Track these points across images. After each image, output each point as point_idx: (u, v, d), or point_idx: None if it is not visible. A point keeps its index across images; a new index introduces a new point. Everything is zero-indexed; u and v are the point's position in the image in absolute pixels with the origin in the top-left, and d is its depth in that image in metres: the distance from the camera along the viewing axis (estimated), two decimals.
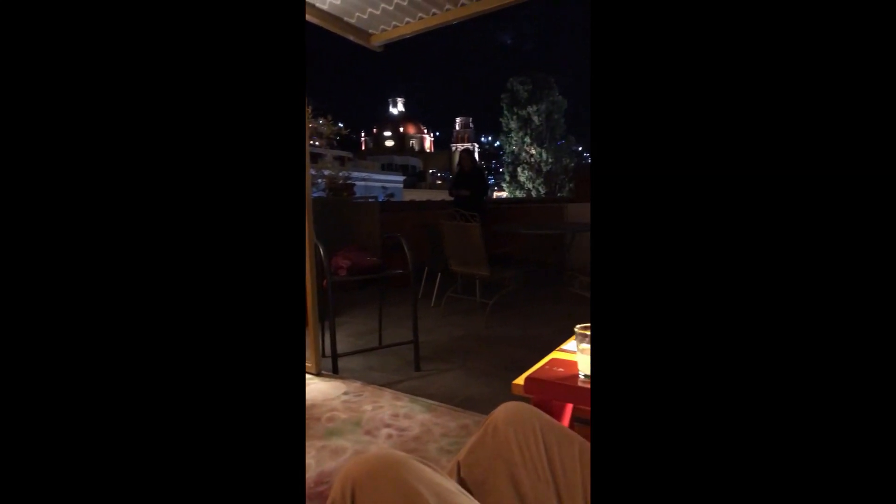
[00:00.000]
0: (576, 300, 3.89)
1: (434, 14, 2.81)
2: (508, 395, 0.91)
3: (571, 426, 0.93)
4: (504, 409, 0.75)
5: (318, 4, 2.72)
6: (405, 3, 2.70)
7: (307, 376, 2.14)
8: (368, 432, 1.58)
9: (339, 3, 2.71)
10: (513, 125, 23.71)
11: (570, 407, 0.93)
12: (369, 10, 2.78)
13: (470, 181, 4.51)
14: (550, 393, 0.88)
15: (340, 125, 8.68)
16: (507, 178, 24.97)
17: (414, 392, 1.97)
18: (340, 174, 7.51)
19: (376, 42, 3.11)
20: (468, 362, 2.44)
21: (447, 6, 2.74)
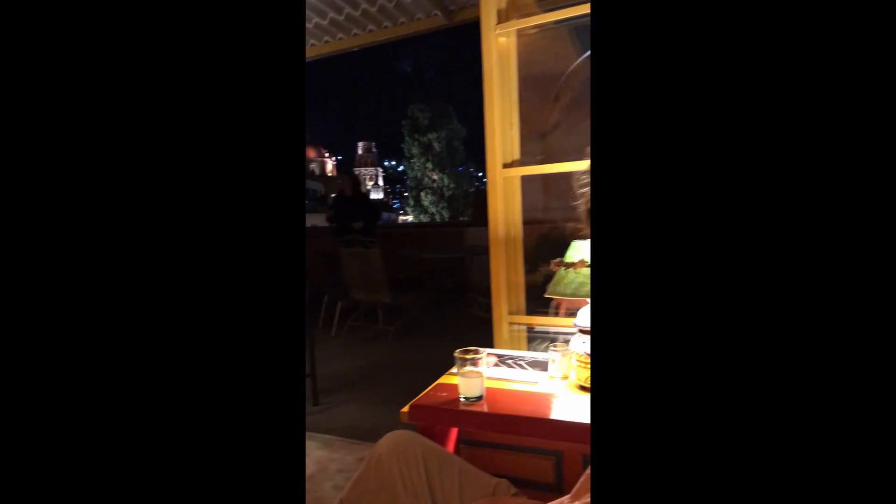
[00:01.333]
0: (476, 322, 4.01)
1: (327, 42, 2.83)
2: (399, 423, 0.91)
3: (457, 449, 0.96)
4: (387, 440, 0.75)
5: None
6: (310, 26, 2.68)
7: None
8: None
9: None
10: (414, 151, 24.18)
11: (454, 430, 0.95)
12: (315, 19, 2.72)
13: (354, 207, 4.19)
14: (434, 418, 0.90)
15: None
16: (412, 203, 25.29)
17: (311, 427, 1.89)
18: None
19: (311, 56, 3.04)
20: (371, 391, 2.40)
21: (339, 35, 2.76)
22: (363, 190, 4.43)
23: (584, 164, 0.70)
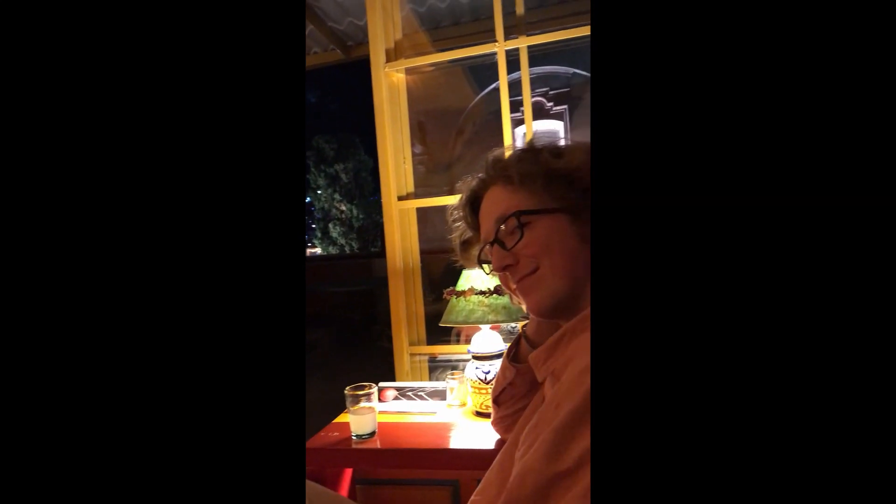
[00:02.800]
0: (386, 354, 3.96)
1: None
2: None
3: (352, 490, 0.92)
4: None
5: None
6: None
7: None
8: None
9: None
10: (321, 182, 23.76)
11: (348, 470, 0.92)
12: None
13: None
14: (327, 461, 0.86)
15: None
16: (319, 235, 24.62)
17: None
18: None
19: None
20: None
21: (314, 49, 2.68)
22: None
23: (455, 199, 0.74)
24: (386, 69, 1.40)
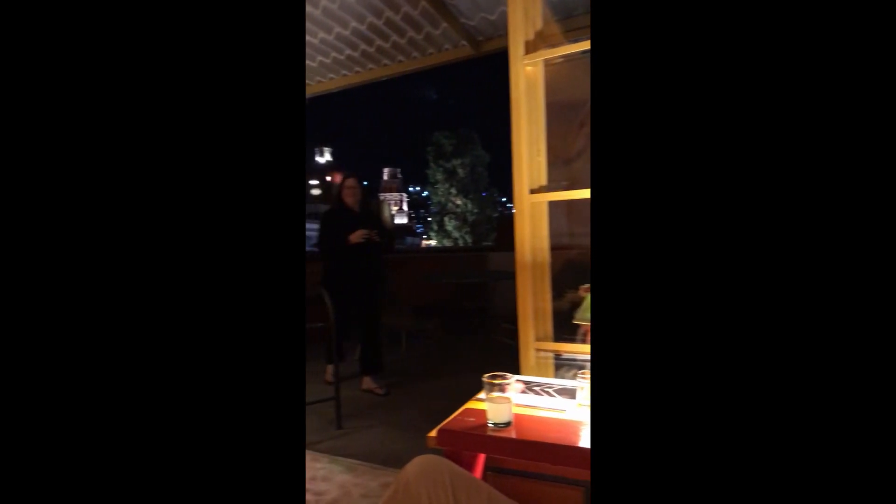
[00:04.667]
0: (499, 348, 3.97)
1: (357, 72, 2.93)
2: (425, 448, 0.91)
3: (484, 475, 0.94)
4: (415, 464, 0.75)
5: None
6: (329, 61, 2.79)
7: None
8: None
9: None
10: (439, 177, 24.48)
11: (482, 456, 0.94)
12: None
13: (360, 224, 2.78)
14: (461, 444, 0.89)
15: None
16: (435, 228, 25.45)
17: (336, 451, 1.88)
18: None
19: (308, 94, 3.16)
20: (392, 417, 2.38)
21: (370, 65, 2.86)
22: (385, 211, 3.21)
23: (587, 193, 0.70)
24: (525, 61, 1.39)
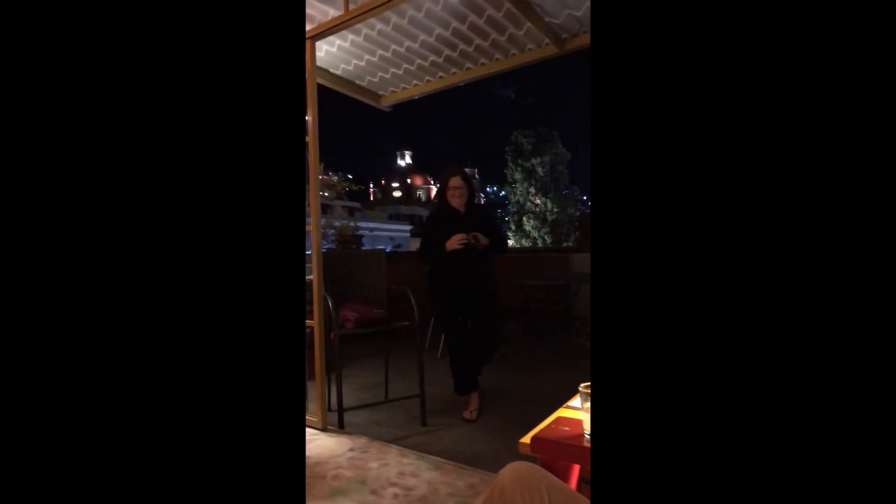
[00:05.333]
0: (581, 351, 3.85)
1: (440, 77, 2.98)
2: (515, 452, 0.91)
3: (579, 487, 0.92)
4: (511, 470, 0.75)
5: (332, 70, 2.89)
6: (413, 68, 2.87)
7: (313, 432, 2.12)
8: (374, 491, 1.54)
9: (351, 69, 2.88)
10: (517, 176, 24.22)
11: (577, 467, 0.92)
12: (380, 74, 2.95)
13: (471, 225, 2.36)
14: (557, 453, 0.87)
15: (349, 177, 8.97)
16: (513, 228, 25.21)
17: (420, 448, 1.93)
18: (350, 224, 7.67)
19: (385, 102, 3.27)
20: (475, 417, 2.40)
21: (453, 70, 2.90)
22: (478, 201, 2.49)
23: None
24: None
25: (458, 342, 2.45)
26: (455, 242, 2.31)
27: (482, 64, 2.81)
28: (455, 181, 2.43)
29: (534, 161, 23.70)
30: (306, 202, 2.25)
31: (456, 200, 2.42)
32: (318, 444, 1.97)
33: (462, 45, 2.61)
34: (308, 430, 2.14)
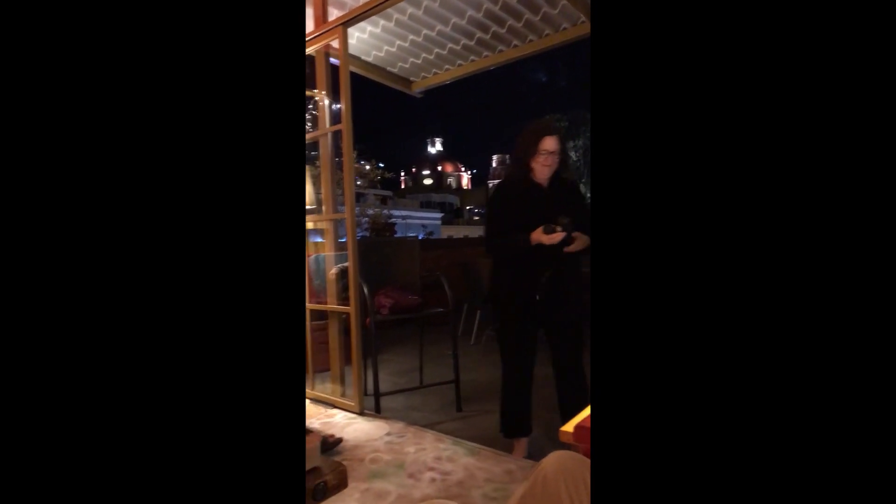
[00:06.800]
0: None
1: (472, 60, 2.93)
2: (555, 441, 0.89)
3: None
4: (554, 459, 0.73)
5: (363, 57, 2.89)
6: (445, 52, 2.83)
7: (350, 415, 2.16)
8: (412, 475, 1.56)
9: (383, 55, 2.87)
10: None
11: None
12: (411, 60, 2.93)
13: (553, 203, 1.71)
14: None
15: (381, 165, 9.03)
16: None
17: (456, 433, 1.94)
18: (383, 212, 7.73)
19: (417, 88, 3.25)
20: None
21: (485, 53, 2.85)
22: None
23: None
24: None
25: (521, 369, 1.80)
26: (548, 237, 1.59)
27: (514, 46, 2.74)
28: (549, 143, 1.67)
29: (567, 145, 23.20)
30: (340, 191, 2.27)
31: (545, 171, 1.70)
32: (356, 427, 2.01)
33: (494, 27, 2.55)
34: (346, 413, 2.18)
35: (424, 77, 3.15)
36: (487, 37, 2.64)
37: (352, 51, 2.69)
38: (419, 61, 2.93)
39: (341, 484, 0.81)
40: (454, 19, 2.49)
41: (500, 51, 2.81)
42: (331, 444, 1.75)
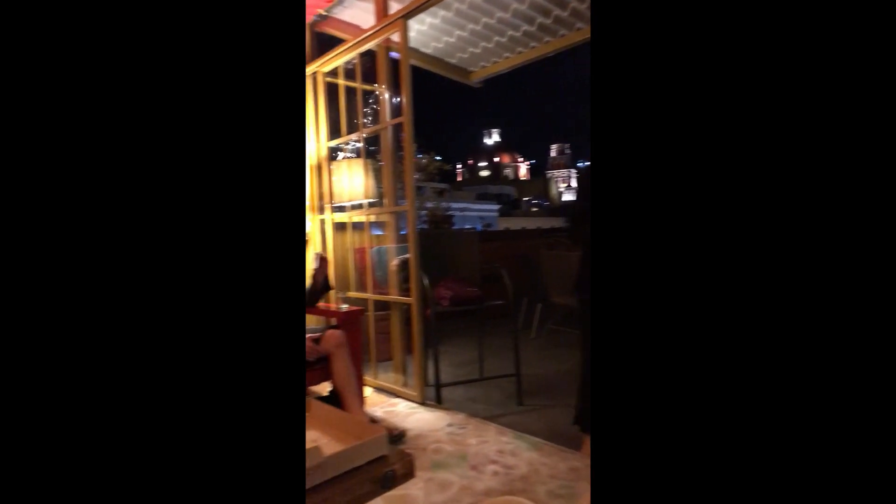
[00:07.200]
0: None
1: (532, 47, 2.86)
2: None
3: None
4: None
5: (422, 49, 2.89)
6: (504, 40, 2.78)
7: (412, 405, 2.19)
8: (474, 467, 1.56)
9: (442, 46, 2.86)
10: None
11: None
12: (470, 49, 2.90)
13: None
14: None
15: (438, 158, 9.06)
16: None
17: (517, 427, 1.92)
18: (441, 205, 7.78)
19: (475, 78, 3.22)
20: (572, 399, 2.33)
21: (546, 38, 2.76)
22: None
23: None
24: None
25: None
26: None
27: (578, 29, 2.64)
28: None
29: None
30: (400, 184, 2.29)
31: None
32: (418, 417, 2.04)
33: (557, 11, 2.46)
34: (407, 403, 2.21)
35: (483, 66, 3.11)
36: (549, 21, 2.56)
37: (411, 43, 2.71)
38: (478, 50, 2.90)
39: (409, 473, 0.81)
40: (514, 4, 2.43)
41: (562, 35, 2.71)
42: (394, 438, 1.78)
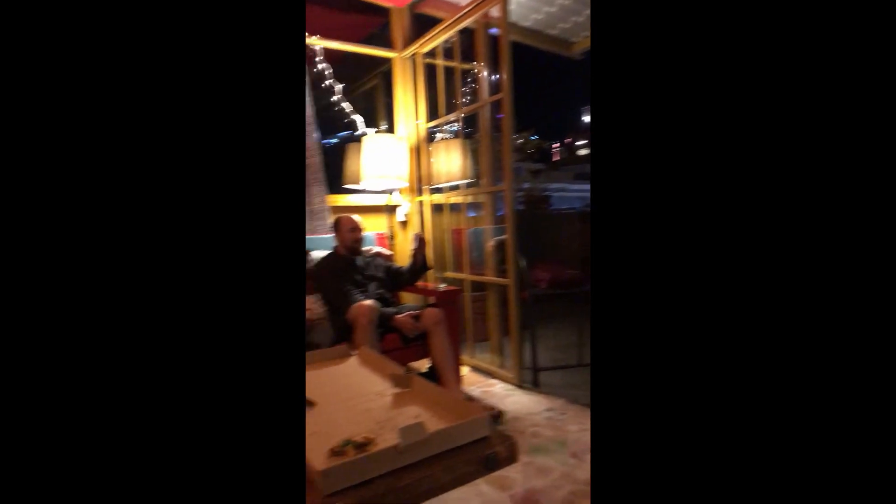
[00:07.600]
0: None
1: None
2: None
3: None
4: None
5: (521, 23, 2.79)
6: (581, 20, 2.58)
7: (509, 387, 2.18)
8: (574, 455, 1.51)
9: (542, 17, 2.74)
10: None
11: None
12: (572, 18, 2.74)
13: None
14: None
15: (534, 137, 8.82)
16: None
17: None
18: (538, 186, 7.60)
19: (578, 50, 3.05)
20: None
21: None
22: None
23: None
24: None
25: None
26: None
27: None
28: None
29: None
30: (497, 164, 2.25)
31: None
32: (514, 399, 2.02)
33: None
34: (504, 385, 2.20)
35: (586, 36, 2.93)
36: None
37: (510, 17, 2.62)
38: (581, 18, 2.72)
39: (511, 457, 0.79)
40: None
41: None
42: (493, 419, 1.79)
